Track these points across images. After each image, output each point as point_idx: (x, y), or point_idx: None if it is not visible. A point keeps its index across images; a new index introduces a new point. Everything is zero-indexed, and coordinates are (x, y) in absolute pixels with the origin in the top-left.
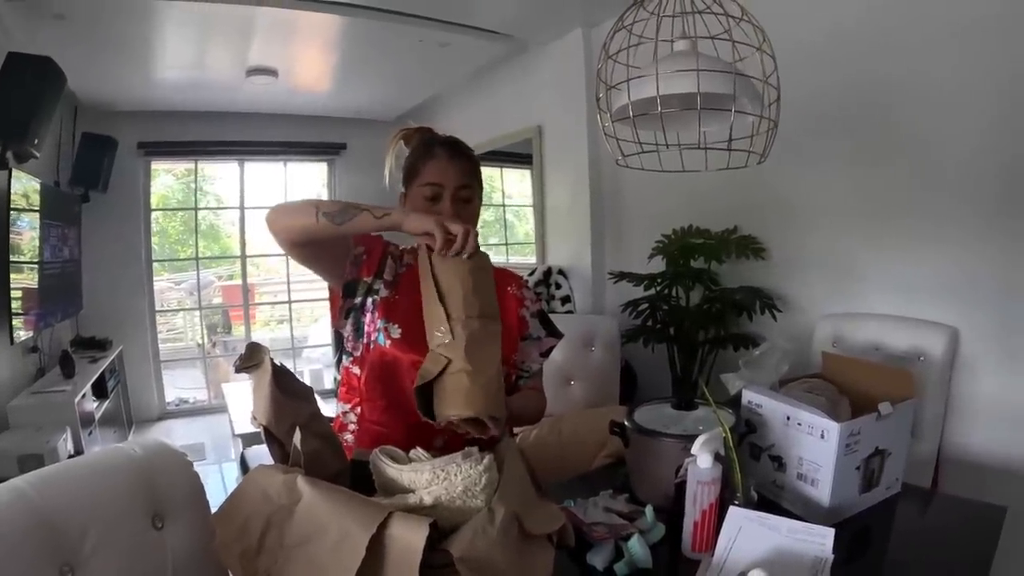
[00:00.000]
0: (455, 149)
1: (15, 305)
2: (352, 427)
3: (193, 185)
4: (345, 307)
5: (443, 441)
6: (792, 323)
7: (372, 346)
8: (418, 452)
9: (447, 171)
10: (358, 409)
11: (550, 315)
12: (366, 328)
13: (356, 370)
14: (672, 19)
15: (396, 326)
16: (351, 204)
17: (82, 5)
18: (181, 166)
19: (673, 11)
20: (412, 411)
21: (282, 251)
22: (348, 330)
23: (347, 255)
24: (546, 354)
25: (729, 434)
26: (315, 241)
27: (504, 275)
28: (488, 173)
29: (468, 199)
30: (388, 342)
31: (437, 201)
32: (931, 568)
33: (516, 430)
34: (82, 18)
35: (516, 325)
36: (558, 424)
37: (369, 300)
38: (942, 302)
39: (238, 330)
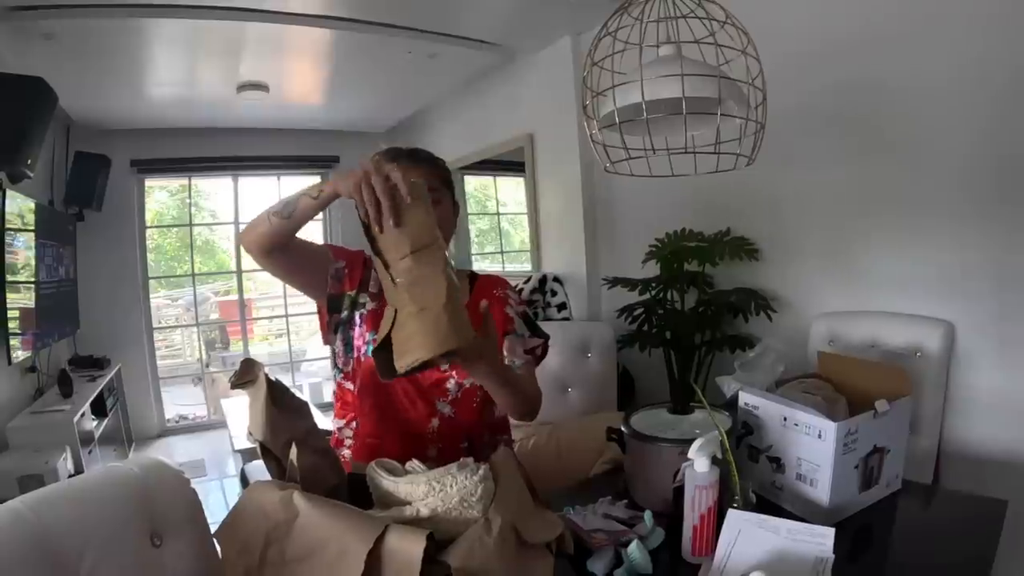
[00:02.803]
0: (417, 156)
1: (12, 325)
2: (348, 442)
3: (187, 201)
4: (332, 322)
5: (436, 450)
6: (788, 323)
7: (362, 359)
8: (414, 464)
9: (409, 176)
10: (353, 424)
11: (546, 322)
12: (355, 342)
13: (349, 385)
14: (656, 24)
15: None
16: (293, 195)
17: (71, 25)
18: (175, 182)
19: (657, 16)
20: (405, 421)
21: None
22: (338, 346)
23: (326, 268)
24: (533, 352)
25: (725, 437)
26: (279, 245)
27: (489, 280)
28: (482, 182)
29: (434, 200)
30: None
31: None
32: (933, 564)
33: (514, 437)
34: (71, 37)
35: (501, 322)
36: (556, 432)
37: (356, 314)
38: (937, 297)
39: (236, 345)
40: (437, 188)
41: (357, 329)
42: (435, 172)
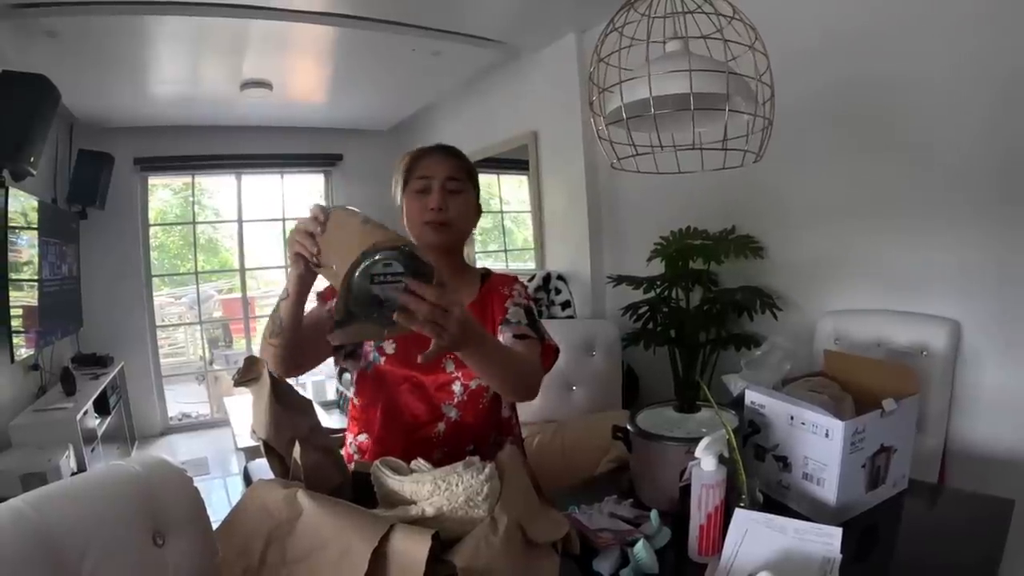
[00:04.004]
0: (445, 149)
1: (15, 323)
2: (357, 457)
3: (191, 199)
4: (344, 350)
5: (442, 454)
6: (793, 321)
7: (369, 368)
8: (419, 463)
9: (436, 165)
10: (361, 436)
11: (550, 320)
12: (362, 352)
13: (358, 400)
14: (663, 20)
15: (390, 342)
16: (273, 316)
17: (74, 22)
18: (178, 180)
19: (664, 12)
20: (410, 426)
21: (282, 265)
22: (348, 364)
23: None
24: (522, 338)
25: (732, 436)
26: (297, 355)
27: (500, 279)
28: (485, 180)
29: (457, 190)
30: (383, 359)
31: (427, 193)
32: (941, 564)
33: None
34: (74, 35)
35: (501, 318)
36: (561, 430)
37: None
38: (942, 295)
39: (239, 343)
40: (460, 179)
41: (365, 345)
42: (463, 166)
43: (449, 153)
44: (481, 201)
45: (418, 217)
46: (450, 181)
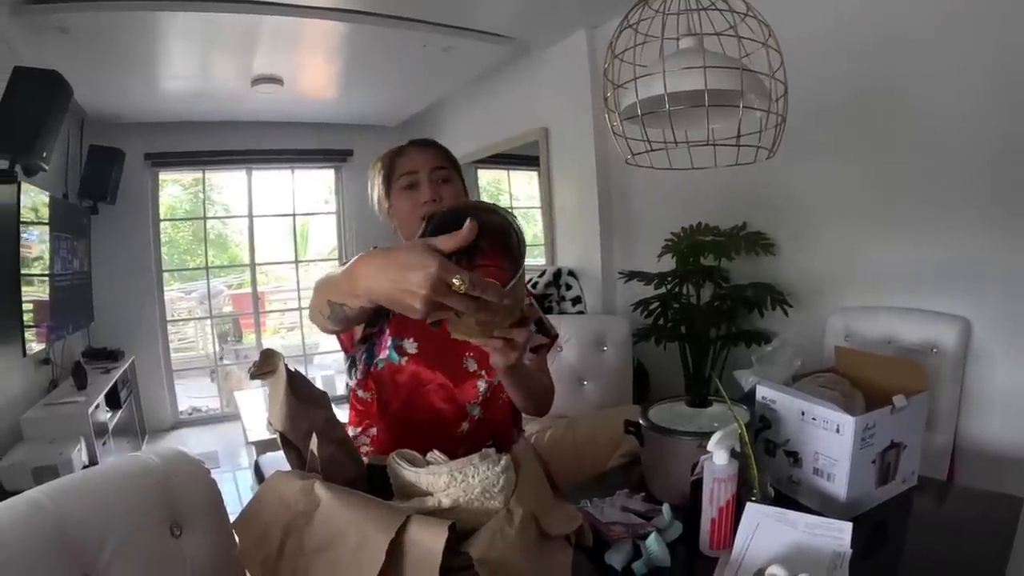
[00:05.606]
0: (424, 141)
1: (27, 318)
2: (365, 448)
3: (201, 195)
4: (364, 334)
5: (464, 452)
6: (804, 318)
7: (380, 365)
8: (435, 455)
9: (419, 158)
10: (372, 431)
11: (561, 315)
12: (377, 350)
13: (363, 394)
14: (677, 17)
15: (411, 340)
16: (332, 302)
17: (86, 19)
18: (188, 176)
19: (678, 8)
20: (435, 424)
21: (291, 260)
22: (360, 354)
23: None
24: (538, 351)
25: (745, 430)
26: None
27: None
28: (495, 176)
29: (446, 179)
30: (404, 359)
31: (415, 188)
32: (949, 561)
33: (530, 432)
34: (86, 31)
35: None
36: (573, 425)
37: (384, 322)
38: (953, 293)
39: (249, 338)
40: (446, 167)
41: (383, 336)
42: (445, 154)
43: (428, 144)
44: (491, 197)
45: (411, 213)
46: (436, 171)
